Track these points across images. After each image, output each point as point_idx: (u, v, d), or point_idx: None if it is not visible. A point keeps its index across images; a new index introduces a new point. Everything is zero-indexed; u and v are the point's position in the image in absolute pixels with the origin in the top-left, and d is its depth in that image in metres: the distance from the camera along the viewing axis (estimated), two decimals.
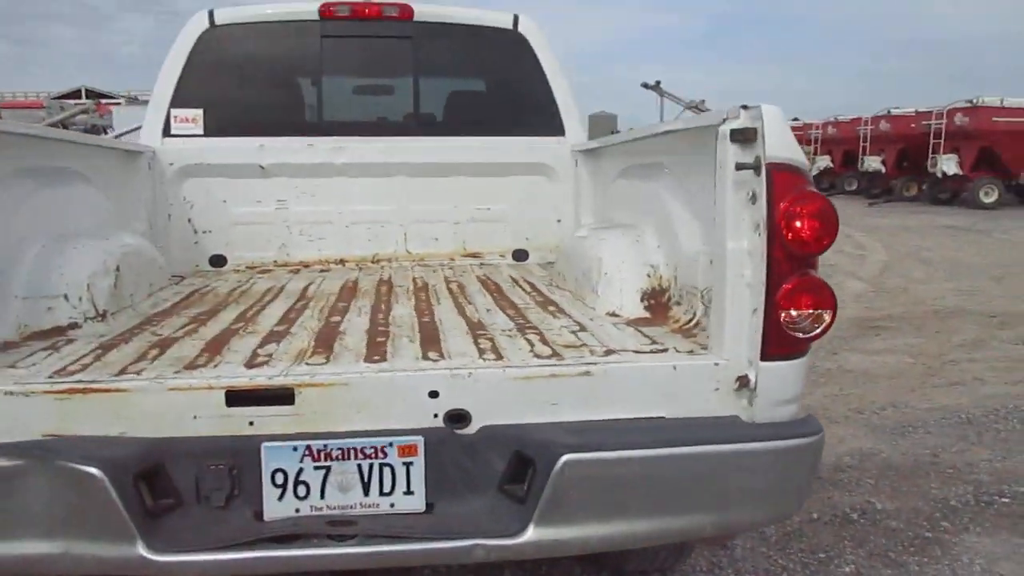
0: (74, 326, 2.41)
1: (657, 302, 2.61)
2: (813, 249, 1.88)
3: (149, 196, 3.72)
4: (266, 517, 1.83)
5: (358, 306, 2.83)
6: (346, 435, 1.86)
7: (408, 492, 1.87)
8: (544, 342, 2.21)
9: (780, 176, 1.86)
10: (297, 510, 1.84)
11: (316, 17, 3.90)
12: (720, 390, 1.99)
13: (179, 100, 3.83)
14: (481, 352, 2.09)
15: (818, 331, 1.92)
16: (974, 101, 18.90)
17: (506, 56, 4.04)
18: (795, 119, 32.53)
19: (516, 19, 4.02)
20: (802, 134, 26.13)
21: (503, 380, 1.93)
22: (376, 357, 2.05)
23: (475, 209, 4.05)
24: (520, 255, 4.07)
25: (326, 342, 2.23)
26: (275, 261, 3.91)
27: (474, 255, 4.07)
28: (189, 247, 3.82)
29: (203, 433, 1.84)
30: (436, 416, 1.91)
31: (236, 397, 1.85)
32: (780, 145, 1.87)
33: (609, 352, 2.08)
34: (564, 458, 1.75)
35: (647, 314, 2.57)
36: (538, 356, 2.05)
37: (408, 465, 1.86)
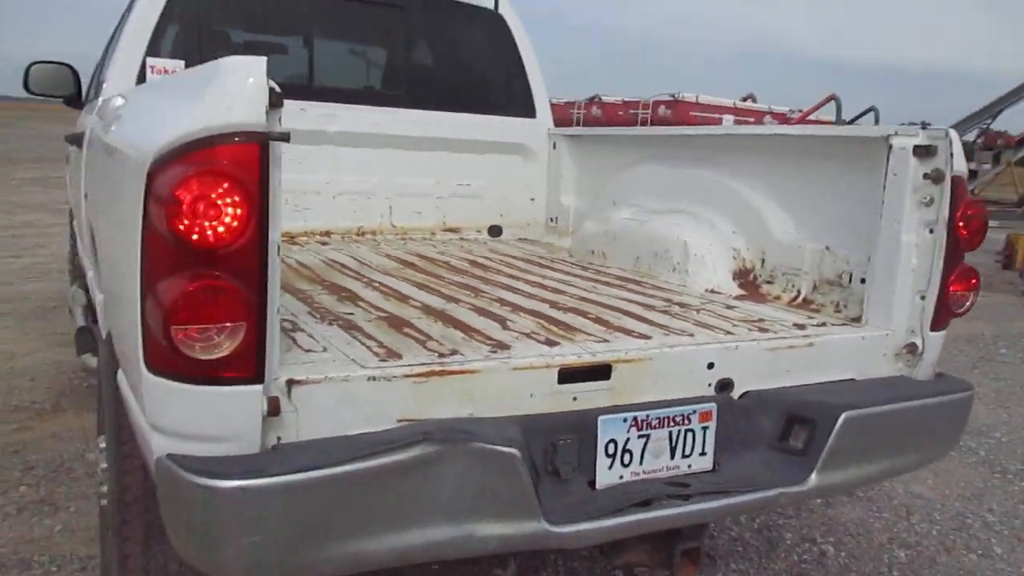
0: None
1: (745, 281, 3.01)
2: (974, 244, 2.40)
3: None
4: (598, 485, 1.95)
5: (460, 281, 2.89)
6: (655, 405, 2.04)
7: (702, 453, 2.09)
8: (725, 319, 2.51)
9: (960, 186, 2.35)
10: (621, 477, 1.98)
11: None
12: (887, 355, 2.45)
13: (155, 47, 3.43)
14: (709, 328, 2.34)
15: (966, 307, 2.46)
16: (676, 96, 21.57)
17: (486, 36, 4.14)
18: None
19: (496, 1, 4.14)
20: None
21: (757, 352, 2.22)
22: (635, 334, 2.22)
23: (456, 185, 4.12)
24: (495, 231, 4.23)
25: (555, 322, 2.33)
26: None
27: (453, 230, 4.14)
28: None
29: (538, 410, 1.91)
30: (710, 385, 2.15)
31: (568, 374, 1.94)
32: (958, 160, 2.36)
33: (799, 327, 2.44)
34: (844, 415, 2.10)
35: (743, 291, 2.96)
36: (750, 332, 2.36)
37: (705, 429, 2.08)
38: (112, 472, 2.22)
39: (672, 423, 2.04)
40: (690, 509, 1.94)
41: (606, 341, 2.13)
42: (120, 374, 2.05)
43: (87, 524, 3.11)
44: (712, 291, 2.96)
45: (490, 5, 4.11)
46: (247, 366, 1.51)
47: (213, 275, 1.45)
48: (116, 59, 3.41)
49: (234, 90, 1.46)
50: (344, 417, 1.69)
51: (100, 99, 3.41)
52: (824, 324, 2.52)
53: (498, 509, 1.71)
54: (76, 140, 3.61)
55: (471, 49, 4.17)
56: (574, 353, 1.98)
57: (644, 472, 2.02)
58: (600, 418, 1.95)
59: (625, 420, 1.98)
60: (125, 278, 1.67)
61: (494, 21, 4.14)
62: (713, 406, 2.10)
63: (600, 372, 1.99)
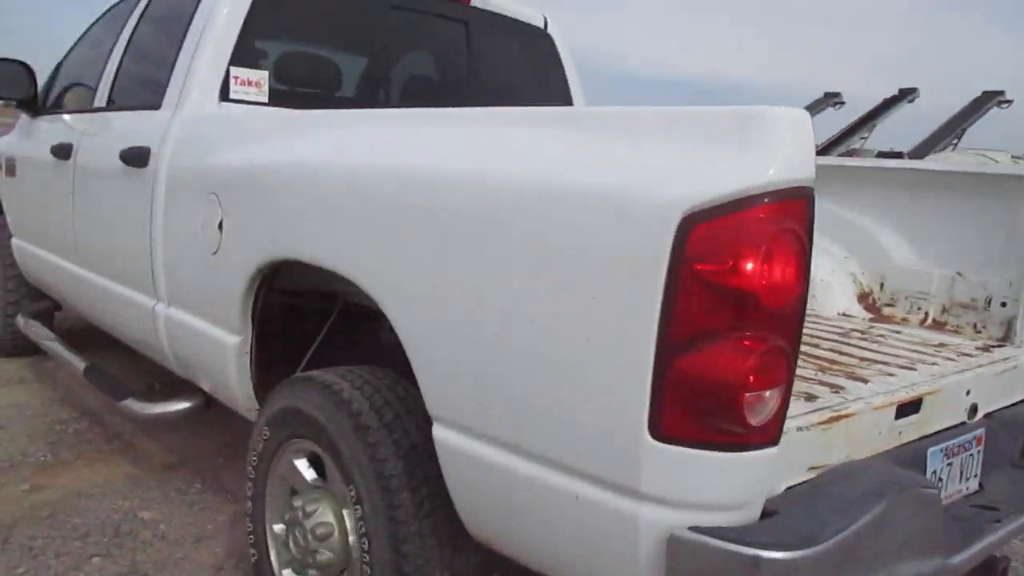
0: None
1: (867, 304, 3.21)
2: None
3: None
4: None
5: None
6: (947, 434, 2.15)
7: (975, 476, 2.23)
8: (919, 344, 2.67)
9: None
10: None
11: None
12: None
13: (239, 57, 3.10)
14: (934, 357, 2.49)
15: None
16: None
17: (539, 56, 4.09)
18: None
19: (545, 20, 4.10)
20: None
21: (990, 376, 2.40)
22: (893, 365, 2.32)
23: None
24: None
25: (813, 357, 2.38)
26: None
27: None
28: None
29: (881, 447, 1.96)
30: (965, 410, 2.30)
31: (900, 410, 2.01)
32: None
33: (985, 350, 2.66)
34: None
35: (870, 314, 3.15)
36: (961, 358, 2.53)
37: (979, 452, 2.23)
38: (414, 541, 2.00)
39: (962, 450, 2.17)
40: (1009, 528, 2.07)
41: (892, 376, 2.22)
42: (447, 432, 1.87)
43: None
44: (844, 315, 3.13)
45: (540, 23, 4.07)
46: (777, 428, 1.45)
47: (773, 336, 1.38)
48: (195, 67, 3.04)
49: (788, 142, 1.39)
50: (777, 472, 1.65)
51: (176, 111, 3.04)
52: (988, 348, 2.76)
53: (917, 548, 1.75)
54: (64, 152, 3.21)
55: (527, 70, 4.10)
56: (900, 388, 2.06)
57: (946, 498, 2.13)
58: (929, 450, 2.03)
59: (943, 450, 2.08)
60: (598, 343, 1.51)
61: (544, 40, 4.09)
62: (983, 430, 2.25)
63: (915, 405, 2.07)
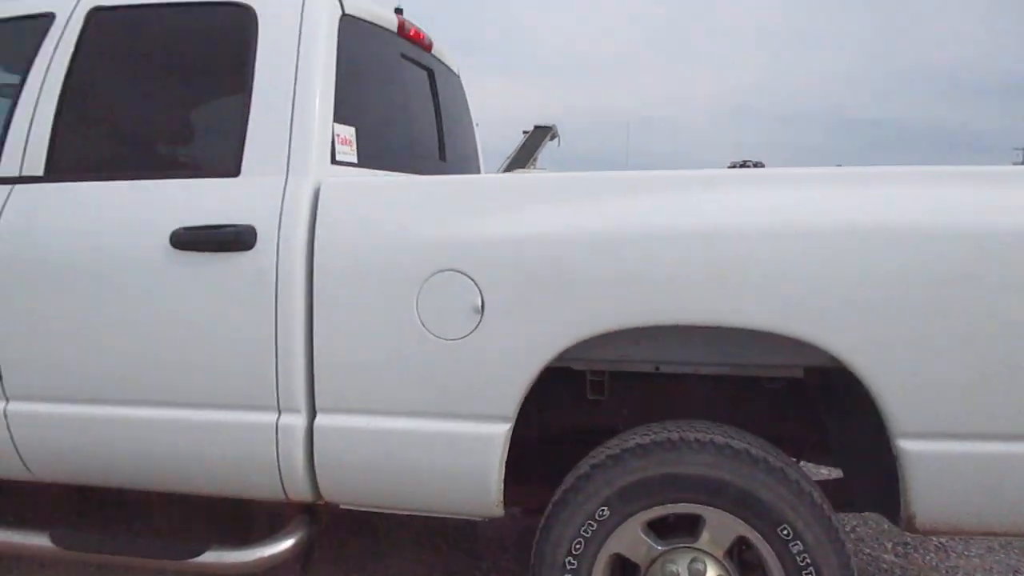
0: None
1: None
2: None
3: None
4: None
5: None
6: None
7: None
8: None
9: None
10: None
11: (395, 30, 3.24)
12: None
13: (338, 111, 2.70)
14: None
15: None
16: None
17: (460, 100, 4.10)
18: None
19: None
20: None
21: None
22: None
23: None
24: None
25: None
26: None
27: None
28: None
29: None
30: None
31: None
32: None
33: None
34: None
35: None
36: None
37: None
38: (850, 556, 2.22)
39: None
40: None
41: None
42: (921, 443, 2.16)
43: None
44: None
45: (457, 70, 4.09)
46: None
47: None
48: (302, 125, 2.54)
49: None
50: None
51: (289, 179, 2.53)
52: None
53: None
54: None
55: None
56: None
57: None
58: None
59: None
60: None
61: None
62: None
63: None
